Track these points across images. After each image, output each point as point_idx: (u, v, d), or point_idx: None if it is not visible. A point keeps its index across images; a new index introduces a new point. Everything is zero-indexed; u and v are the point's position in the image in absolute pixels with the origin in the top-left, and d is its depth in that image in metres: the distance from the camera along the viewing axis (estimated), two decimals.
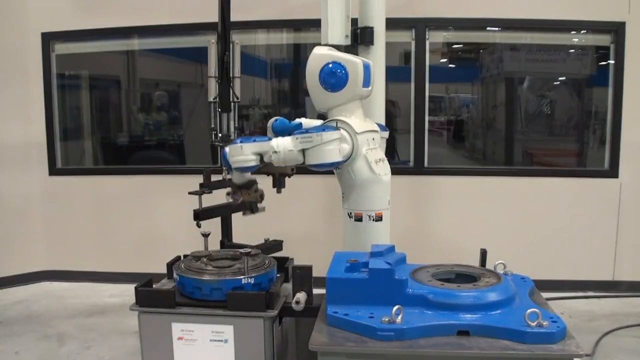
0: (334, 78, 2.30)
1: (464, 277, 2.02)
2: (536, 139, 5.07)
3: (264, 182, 2.64)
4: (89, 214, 4.90)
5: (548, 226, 4.48)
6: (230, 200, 2.54)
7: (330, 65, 2.30)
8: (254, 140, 2.25)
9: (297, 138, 2.24)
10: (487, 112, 5.21)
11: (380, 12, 2.82)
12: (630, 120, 4.37)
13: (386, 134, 2.67)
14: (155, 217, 4.81)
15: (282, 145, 2.24)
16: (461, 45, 4.95)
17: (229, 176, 2.55)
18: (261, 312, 2.05)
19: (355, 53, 2.64)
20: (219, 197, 2.82)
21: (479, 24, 4.55)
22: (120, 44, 4.98)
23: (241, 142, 2.24)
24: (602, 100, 4.54)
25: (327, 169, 2.28)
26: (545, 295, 2.08)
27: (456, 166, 4.99)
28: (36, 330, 3.79)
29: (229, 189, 2.54)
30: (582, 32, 4.55)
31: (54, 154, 4.90)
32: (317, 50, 2.39)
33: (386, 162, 2.48)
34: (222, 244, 2.90)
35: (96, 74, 5.27)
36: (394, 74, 4.01)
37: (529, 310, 1.66)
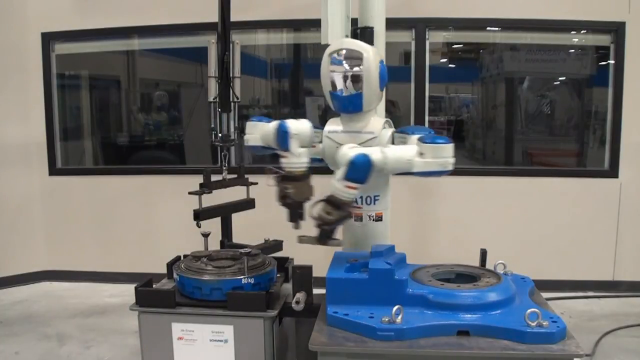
0: (386, 75, 2.22)
1: (464, 277, 2.02)
2: (536, 139, 5.08)
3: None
4: (89, 214, 4.90)
5: (548, 226, 4.48)
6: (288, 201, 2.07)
7: (383, 62, 2.21)
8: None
9: None
10: (487, 112, 5.22)
11: (380, 12, 2.82)
12: (630, 120, 4.37)
13: None
14: (155, 217, 4.81)
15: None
16: (461, 45, 4.96)
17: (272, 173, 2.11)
18: (261, 312, 2.05)
19: None
20: (219, 197, 2.82)
21: (479, 24, 4.55)
22: (120, 44, 4.99)
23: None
24: (602, 100, 4.54)
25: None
26: (545, 295, 2.08)
27: (456, 166, 4.99)
28: (36, 330, 3.78)
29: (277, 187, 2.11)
30: (582, 32, 4.55)
31: (54, 154, 4.90)
32: (365, 45, 2.24)
33: None
34: (222, 244, 2.90)
35: (96, 74, 5.28)
36: (394, 74, 3.99)
37: (529, 310, 1.66)
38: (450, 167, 1.95)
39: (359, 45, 2.21)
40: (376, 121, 2.28)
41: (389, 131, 2.25)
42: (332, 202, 1.89)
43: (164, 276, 2.46)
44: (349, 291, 1.85)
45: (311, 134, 2.20)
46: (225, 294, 2.07)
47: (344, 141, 2.20)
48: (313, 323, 1.85)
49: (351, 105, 2.22)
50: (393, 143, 2.28)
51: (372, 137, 2.23)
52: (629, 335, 3.61)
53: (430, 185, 4.55)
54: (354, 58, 2.17)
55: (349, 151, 1.88)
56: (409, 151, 1.95)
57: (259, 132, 2.32)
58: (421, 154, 1.92)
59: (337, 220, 1.91)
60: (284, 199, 2.08)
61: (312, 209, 1.98)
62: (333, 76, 2.18)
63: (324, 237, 1.97)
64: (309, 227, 2.02)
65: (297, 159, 2.08)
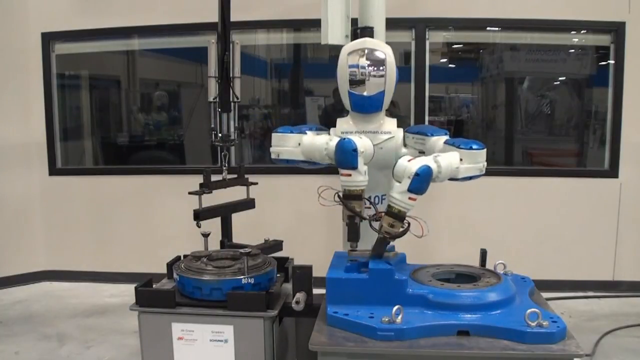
0: (398, 75, 2.26)
1: (464, 277, 2.02)
2: (536, 139, 5.07)
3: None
4: (89, 214, 4.90)
5: (548, 226, 4.48)
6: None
7: None
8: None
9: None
10: (487, 112, 5.21)
11: (380, 12, 2.82)
12: (630, 120, 4.37)
13: None
14: (155, 217, 4.80)
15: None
16: (461, 45, 4.95)
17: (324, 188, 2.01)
18: (261, 312, 2.05)
19: None
20: (219, 197, 2.82)
21: (479, 24, 4.55)
22: (120, 44, 4.98)
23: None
24: (602, 100, 4.54)
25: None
26: (545, 295, 2.08)
27: None
28: (36, 330, 3.78)
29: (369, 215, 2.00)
30: (582, 32, 4.55)
31: (54, 154, 4.90)
32: (385, 45, 2.26)
33: None
34: (222, 244, 2.90)
35: (96, 74, 5.27)
36: None
37: (529, 310, 1.66)
38: (484, 171, 1.99)
39: (380, 45, 2.22)
40: (390, 121, 2.29)
41: (401, 131, 2.26)
42: (394, 214, 1.88)
43: (164, 276, 2.46)
44: (349, 291, 1.84)
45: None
46: (225, 294, 2.07)
47: None
48: (313, 323, 1.85)
49: (372, 105, 2.22)
50: (404, 143, 2.29)
51: (390, 137, 2.24)
52: (629, 335, 3.61)
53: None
54: (377, 58, 2.18)
55: (410, 164, 1.85)
56: (455, 159, 1.95)
57: (292, 144, 2.23)
58: (460, 160, 1.94)
59: (404, 232, 1.90)
60: (352, 218, 2.04)
61: (373, 223, 1.97)
62: (353, 76, 2.17)
63: (382, 249, 1.96)
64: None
65: (362, 177, 2.03)
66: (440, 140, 2.12)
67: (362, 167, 2.02)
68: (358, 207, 2.02)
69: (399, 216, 1.87)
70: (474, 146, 1.96)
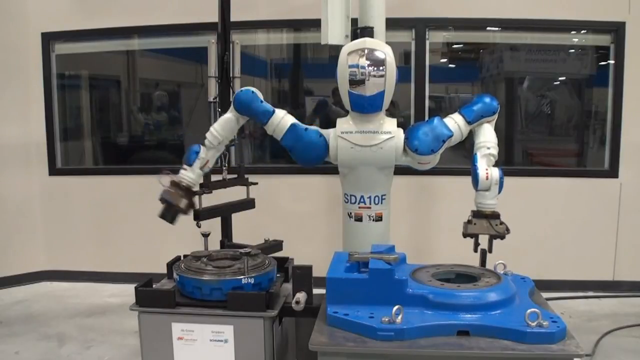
0: (398, 75, 2.31)
1: (464, 277, 2.02)
2: (536, 139, 5.07)
3: None
4: (89, 214, 4.90)
5: (548, 226, 4.48)
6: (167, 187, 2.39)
7: None
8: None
9: None
10: None
11: (380, 12, 2.82)
12: (630, 120, 4.37)
13: None
14: (155, 217, 4.78)
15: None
16: (461, 45, 4.95)
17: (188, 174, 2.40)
18: (261, 312, 2.05)
19: None
20: (219, 197, 2.82)
21: (479, 24, 4.55)
22: (120, 44, 4.98)
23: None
24: (602, 100, 4.54)
25: None
26: (545, 295, 2.08)
27: (456, 166, 4.99)
28: (36, 330, 3.78)
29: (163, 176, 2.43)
30: (582, 32, 4.55)
31: (54, 154, 4.90)
32: (385, 44, 2.31)
33: None
34: (222, 244, 2.90)
35: (96, 74, 5.27)
36: None
37: (529, 310, 1.66)
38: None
39: (380, 45, 2.23)
40: (390, 121, 2.29)
41: (400, 131, 2.27)
42: (496, 216, 2.37)
43: (164, 276, 2.46)
44: (349, 291, 1.84)
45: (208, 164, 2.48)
46: (225, 294, 2.07)
47: (360, 141, 2.21)
48: (313, 323, 1.85)
49: (372, 106, 2.23)
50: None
51: (390, 137, 2.24)
52: (629, 335, 3.61)
53: (430, 185, 4.56)
54: (377, 58, 2.17)
55: (492, 172, 2.28)
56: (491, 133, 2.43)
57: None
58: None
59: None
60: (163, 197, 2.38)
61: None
62: (353, 76, 2.18)
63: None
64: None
65: (192, 175, 2.40)
66: None
67: (196, 168, 2.40)
68: (174, 192, 2.37)
69: (498, 215, 2.29)
70: (494, 103, 2.38)
